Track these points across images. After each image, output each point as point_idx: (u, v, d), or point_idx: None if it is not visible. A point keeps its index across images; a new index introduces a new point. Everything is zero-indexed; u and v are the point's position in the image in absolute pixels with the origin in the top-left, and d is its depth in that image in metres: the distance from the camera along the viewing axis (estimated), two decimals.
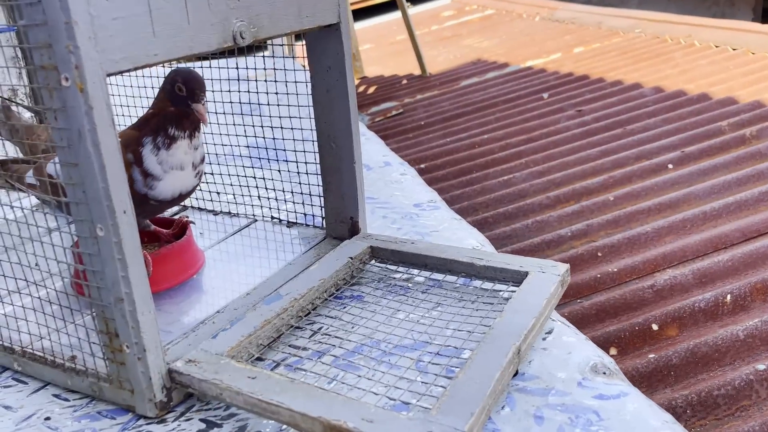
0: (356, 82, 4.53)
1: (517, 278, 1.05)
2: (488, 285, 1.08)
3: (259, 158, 1.38)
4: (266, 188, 1.41)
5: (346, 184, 1.21)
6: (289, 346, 0.97)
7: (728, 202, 1.88)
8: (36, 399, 0.91)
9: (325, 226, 1.28)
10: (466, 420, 0.73)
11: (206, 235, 1.38)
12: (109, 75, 0.73)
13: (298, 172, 1.32)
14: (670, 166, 2.20)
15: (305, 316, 1.04)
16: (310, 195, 1.29)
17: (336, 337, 0.98)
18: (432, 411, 0.75)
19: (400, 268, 1.16)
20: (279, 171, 1.37)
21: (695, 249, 1.72)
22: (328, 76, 1.15)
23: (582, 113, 2.83)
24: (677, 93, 2.81)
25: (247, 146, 1.41)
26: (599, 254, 1.80)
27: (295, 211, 1.37)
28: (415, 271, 1.14)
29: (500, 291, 1.06)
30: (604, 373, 0.86)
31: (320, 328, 1.01)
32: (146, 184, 1.01)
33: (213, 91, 1.43)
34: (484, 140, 2.76)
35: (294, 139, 1.30)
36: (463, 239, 1.28)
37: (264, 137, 1.35)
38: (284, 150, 1.33)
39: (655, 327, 1.47)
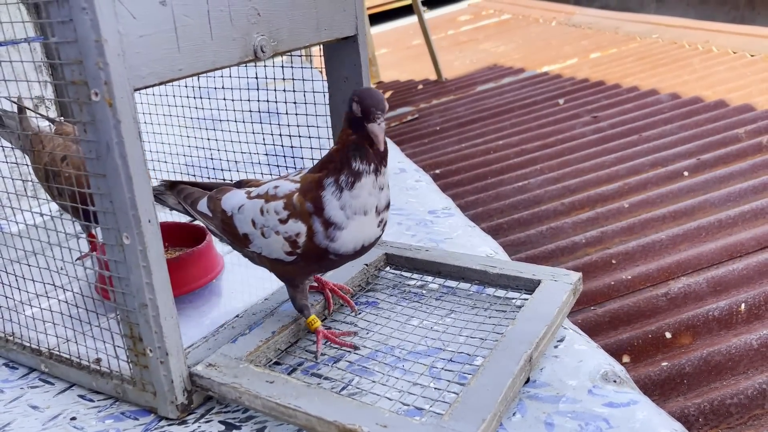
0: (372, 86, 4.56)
1: (529, 286, 1.06)
2: (501, 293, 1.10)
3: (278, 165, 1.41)
4: None
5: None
6: (306, 350, 1.00)
7: (744, 210, 1.88)
8: (62, 399, 0.94)
9: None
10: (477, 426, 0.75)
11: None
12: (136, 90, 0.76)
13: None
14: (686, 173, 2.20)
15: (322, 321, 1.06)
16: None
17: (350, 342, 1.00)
18: (444, 417, 0.77)
19: (415, 275, 1.18)
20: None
21: (710, 257, 1.72)
22: (346, 86, 1.17)
23: (597, 119, 2.84)
24: (694, 99, 2.80)
25: (266, 153, 1.43)
26: (613, 261, 1.81)
27: None
28: (429, 278, 1.16)
29: (513, 299, 1.07)
30: (615, 381, 0.88)
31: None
32: (327, 236, 0.87)
33: (233, 100, 1.46)
34: (499, 146, 2.78)
35: (312, 148, 1.33)
36: (477, 246, 1.30)
37: (282, 145, 1.38)
38: (302, 158, 1.35)
39: (668, 335, 1.48)
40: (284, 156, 1.38)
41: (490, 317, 1.03)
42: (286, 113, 1.35)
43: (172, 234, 1.34)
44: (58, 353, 0.98)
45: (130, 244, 0.79)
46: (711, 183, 2.09)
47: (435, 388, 0.88)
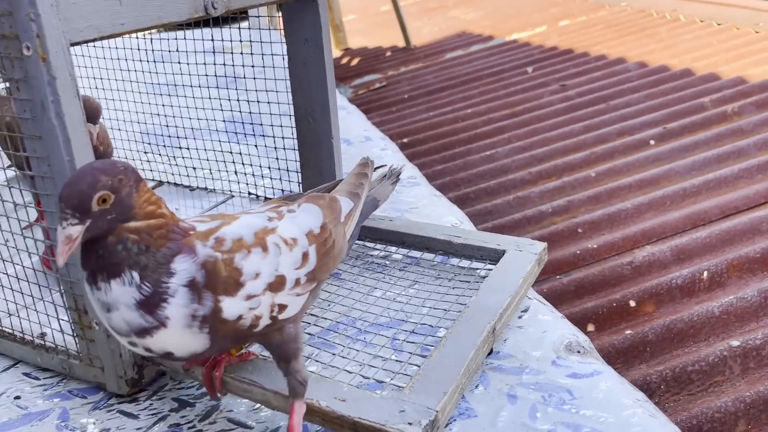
0: (339, 53, 4.47)
1: (494, 256, 1.04)
2: (466, 263, 1.08)
3: (236, 133, 1.36)
4: (243, 163, 1.38)
5: (324, 159, 1.19)
6: None
7: (708, 179, 1.89)
8: (5, 378, 0.90)
9: None
10: (438, 399, 0.73)
11: (182, 211, 1.36)
12: (73, 44, 0.71)
13: (275, 147, 1.30)
14: (652, 142, 2.20)
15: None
16: (288, 171, 1.28)
17: (311, 314, 0.97)
18: (405, 390, 0.75)
19: (378, 246, 1.15)
20: (256, 146, 1.35)
21: (674, 226, 1.73)
22: (305, 48, 1.12)
23: (566, 88, 2.82)
24: (661, 68, 2.80)
25: (224, 120, 1.38)
26: (579, 230, 1.81)
27: (273, 187, 1.35)
28: (393, 249, 1.14)
29: (477, 269, 1.05)
30: (579, 352, 0.87)
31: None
32: None
33: (188, 64, 1.40)
34: (467, 114, 2.75)
35: (271, 114, 1.28)
36: (443, 216, 1.28)
37: (241, 111, 1.33)
38: (261, 124, 1.30)
39: (632, 303, 1.48)
40: (243, 122, 1.34)
41: (453, 288, 1.01)
42: (244, 77, 1.30)
43: None
44: (0, 328, 0.94)
45: None
46: (676, 152, 2.10)
47: (396, 361, 0.86)
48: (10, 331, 0.92)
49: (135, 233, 0.62)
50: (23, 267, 0.89)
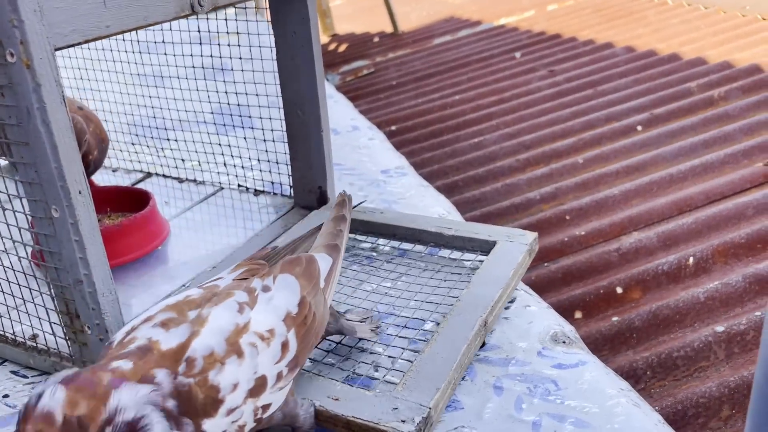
0: (327, 39, 4.44)
1: (485, 247, 1.05)
2: (457, 254, 1.08)
3: (224, 124, 1.35)
4: (232, 155, 1.38)
5: (313, 152, 1.19)
6: None
7: (694, 165, 1.91)
8: None
9: (293, 195, 1.26)
10: (431, 395, 0.74)
11: (171, 204, 1.36)
12: (57, 49, 0.71)
13: (264, 139, 1.30)
14: (639, 128, 2.22)
15: None
16: (278, 163, 1.28)
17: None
18: (398, 387, 0.76)
19: (369, 238, 1.15)
20: (245, 138, 1.34)
21: (661, 212, 1.74)
22: (294, 41, 1.12)
23: (554, 73, 2.82)
24: (648, 53, 2.81)
25: (212, 112, 1.38)
26: (567, 217, 1.82)
27: (262, 179, 1.35)
28: (384, 241, 1.14)
29: (468, 261, 1.06)
30: (564, 342, 0.88)
31: None
32: None
33: (175, 55, 1.39)
34: (455, 101, 2.75)
35: (260, 106, 1.28)
36: (430, 207, 1.28)
37: (229, 103, 1.32)
38: (250, 117, 1.30)
39: (619, 290, 1.50)
40: (231, 114, 1.33)
41: (444, 281, 1.02)
42: (232, 69, 1.29)
43: (112, 198, 1.28)
44: None
45: (59, 217, 0.74)
46: (663, 137, 2.11)
47: (388, 357, 0.86)
48: (1, 332, 0.92)
49: None
50: (13, 269, 0.88)
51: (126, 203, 1.27)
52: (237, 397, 0.63)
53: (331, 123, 1.31)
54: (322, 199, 1.22)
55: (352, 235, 1.16)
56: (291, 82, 1.15)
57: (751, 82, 2.30)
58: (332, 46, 4.19)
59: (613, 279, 1.52)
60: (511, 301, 0.98)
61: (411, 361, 0.83)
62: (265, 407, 0.66)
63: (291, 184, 1.26)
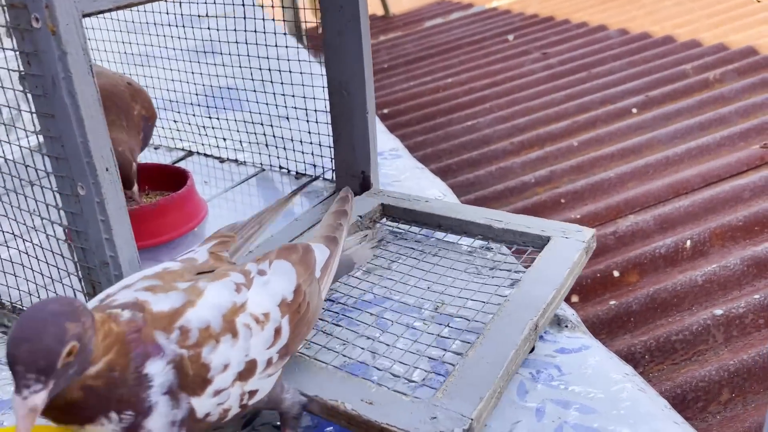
0: (317, 22, 4.38)
1: (538, 243, 0.97)
2: (506, 250, 1.01)
3: (267, 103, 1.30)
4: (274, 136, 1.33)
5: (357, 135, 1.13)
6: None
7: (690, 147, 1.89)
8: None
9: (335, 179, 1.21)
10: (474, 405, 0.67)
11: (212, 183, 1.33)
12: (86, 15, 0.66)
13: (308, 120, 1.24)
14: (634, 110, 2.19)
15: None
16: (320, 145, 1.23)
17: (339, 303, 0.92)
18: (437, 393, 0.69)
19: (413, 228, 1.09)
20: (287, 118, 1.28)
21: (657, 195, 1.72)
22: (340, 16, 1.06)
23: (547, 56, 2.79)
24: (642, 35, 2.78)
25: (254, 90, 1.32)
26: (562, 201, 1.80)
27: (304, 162, 1.30)
28: (429, 232, 1.07)
29: (519, 257, 0.99)
30: (567, 326, 0.85)
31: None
32: None
33: (219, 30, 1.34)
34: (448, 84, 2.71)
35: (303, 84, 1.21)
36: (426, 189, 1.25)
37: (272, 81, 1.25)
38: (293, 96, 1.24)
39: (616, 273, 1.48)
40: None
41: (492, 277, 0.94)
42: (276, 46, 1.24)
43: (152, 176, 1.26)
44: (21, 307, 0.91)
45: (85, 195, 0.70)
46: (659, 120, 2.09)
47: (429, 358, 0.80)
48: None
49: (100, 379, 0.53)
50: (42, 247, 0.84)
51: (165, 181, 1.24)
52: (226, 378, 0.60)
53: (321, 104, 1.27)
54: (365, 185, 1.16)
55: (395, 224, 1.09)
56: (336, 59, 1.09)
57: (746, 64, 2.28)
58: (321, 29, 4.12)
59: (610, 262, 1.50)
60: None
61: (453, 365, 0.77)
62: (252, 393, 0.64)
63: (333, 168, 1.20)
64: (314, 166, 1.27)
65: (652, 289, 1.39)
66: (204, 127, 1.46)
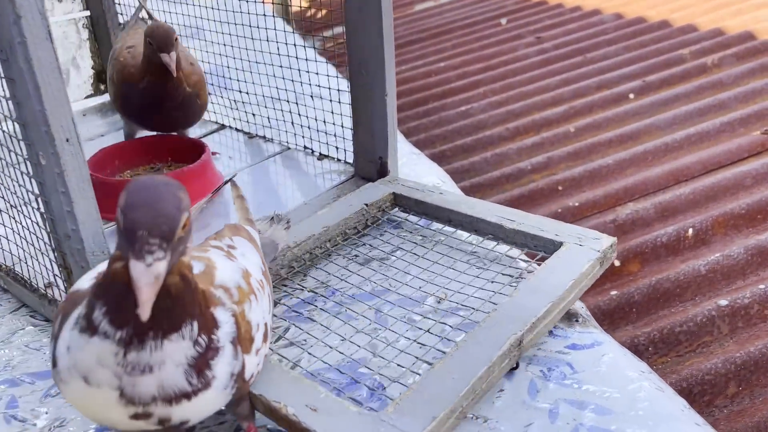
0: (306, 4, 4.29)
1: (549, 248, 0.90)
2: (516, 252, 0.95)
3: (293, 80, 1.28)
4: (299, 114, 1.31)
5: (376, 119, 1.10)
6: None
7: (689, 133, 1.85)
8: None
9: (354, 163, 1.19)
10: (423, 425, 0.61)
11: (236, 158, 1.34)
12: None
13: (331, 100, 1.21)
14: (631, 95, 2.15)
15: (300, 267, 0.93)
16: (343, 127, 1.20)
17: (321, 296, 0.88)
18: (389, 408, 0.64)
19: (422, 221, 1.04)
20: (312, 96, 1.25)
21: (656, 182, 1.68)
22: None
23: (541, 40, 2.74)
24: (638, 20, 2.73)
25: (281, 66, 1.30)
26: (560, 188, 1.75)
27: (327, 144, 1.29)
28: (438, 226, 1.02)
29: (528, 261, 0.94)
30: (578, 321, 0.81)
31: (306, 282, 0.91)
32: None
33: (256, 2, 1.31)
34: (440, 68, 2.65)
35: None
36: (423, 175, 1.21)
37: (298, 57, 1.24)
38: (317, 73, 1.24)
39: (617, 263, 1.44)
40: (299, 70, 1.25)
41: (492, 281, 0.87)
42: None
43: (176, 147, 1.27)
44: (14, 271, 0.91)
45: (46, 165, 0.68)
46: (656, 105, 2.05)
47: (397, 365, 0.74)
48: (21, 276, 0.89)
49: (189, 270, 0.50)
50: (31, 219, 0.82)
51: (188, 154, 1.22)
52: (259, 337, 0.60)
53: (317, 88, 1.23)
54: (382, 171, 1.12)
55: (406, 215, 1.05)
56: (356, 36, 1.05)
57: (744, 49, 2.24)
58: (311, 12, 4.04)
59: None
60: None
61: (421, 375, 0.71)
62: (264, 359, 0.63)
63: (354, 151, 1.18)
64: (336, 148, 1.25)
65: (654, 279, 1.35)
66: (235, 101, 1.46)
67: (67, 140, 0.67)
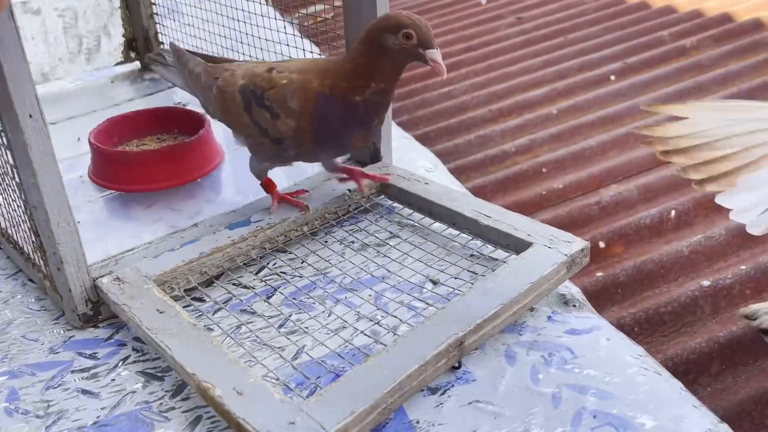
0: None
1: (520, 247, 0.89)
2: (488, 248, 0.95)
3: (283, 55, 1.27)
4: None
5: None
6: (232, 284, 0.88)
7: (671, 116, 1.87)
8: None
9: None
10: (339, 419, 0.61)
11: (223, 140, 1.32)
12: None
13: None
14: (613, 77, 2.16)
15: (273, 249, 0.94)
16: None
17: (285, 280, 0.89)
18: (311, 398, 0.64)
19: (405, 210, 1.04)
20: None
21: (639, 164, 1.71)
22: None
23: (522, 21, 2.74)
24: (617, 1, 2.74)
25: (268, 50, 1.32)
26: (544, 170, 1.76)
27: None
28: (419, 216, 1.03)
29: (498, 259, 0.93)
30: (575, 306, 0.82)
31: (275, 264, 0.92)
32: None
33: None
34: None
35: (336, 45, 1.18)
36: (415, 161, 1.20)
37: (300, 36, 1.24)
38: (311, 52, 1.24)
39: (602, 244, 1.46)
40: (303, 50, 1.24)
41: (456, 277, 0.87)
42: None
43: (182, 120, 1.29)
44: (9, 235, 0.94)
45: (13, 138, 0.70)
46: (638, 87, 2.07)
47: (338, 354, 0.75)
48: (16, 240, 0.91)
49: None
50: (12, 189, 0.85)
51: (193, 126, 1.24)
52: None
53: None
54: (375, 156, 1.11)
55: (390, 203, 1.05)
56: (352, 12, 1.06)
57: (722, 32, 2.27)
58: None
59: (595, 233, 1.48)
60: None
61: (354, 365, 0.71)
62: None
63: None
64: None
65: (638, 261, 1.37)
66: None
67: (30, 116, 0.69)
